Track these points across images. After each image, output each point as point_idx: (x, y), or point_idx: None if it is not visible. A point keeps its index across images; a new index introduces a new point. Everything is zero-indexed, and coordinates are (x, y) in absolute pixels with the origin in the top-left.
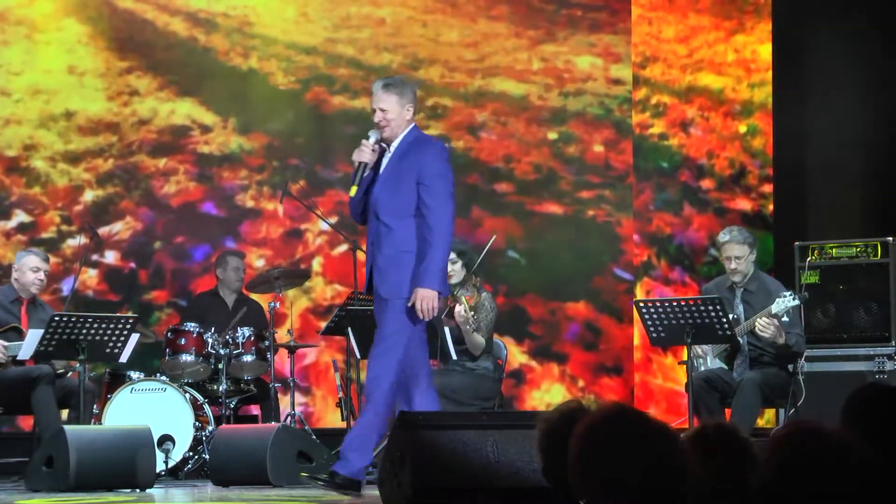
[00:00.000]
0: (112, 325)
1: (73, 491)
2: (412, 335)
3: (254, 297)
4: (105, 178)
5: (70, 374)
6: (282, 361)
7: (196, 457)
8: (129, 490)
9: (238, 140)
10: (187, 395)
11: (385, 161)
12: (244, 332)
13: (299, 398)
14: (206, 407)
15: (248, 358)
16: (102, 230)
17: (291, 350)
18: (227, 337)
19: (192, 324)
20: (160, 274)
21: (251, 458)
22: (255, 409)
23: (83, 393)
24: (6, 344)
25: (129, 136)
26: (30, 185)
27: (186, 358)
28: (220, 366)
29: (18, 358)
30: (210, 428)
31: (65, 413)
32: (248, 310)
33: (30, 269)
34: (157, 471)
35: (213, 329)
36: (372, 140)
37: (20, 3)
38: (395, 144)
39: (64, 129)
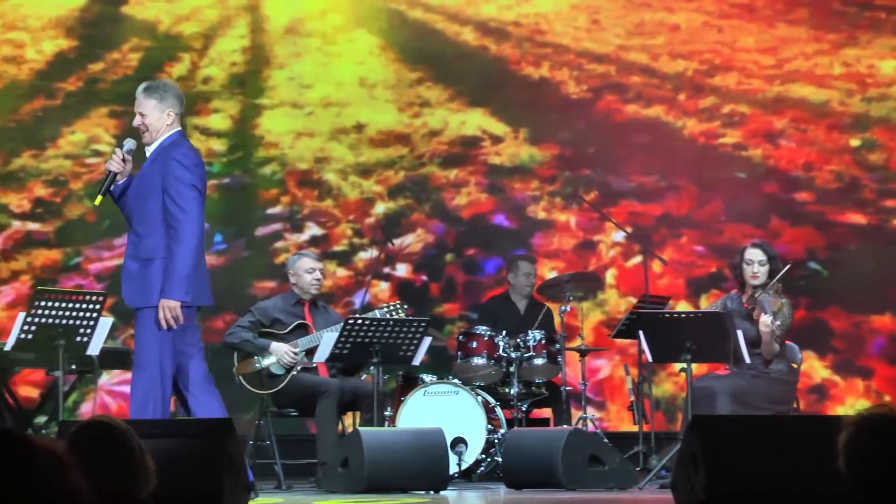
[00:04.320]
0: (405, 329)
1: (367, 492)
2: (164, 346)
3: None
4: (396, 190)
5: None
6: (575, 375)
7: (489, 459)
8: (422, 491)
9: (529, 150)
10: (479, 398)
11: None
12: (535, 335)
13: (594, 412)
14: (498, 410)
15: (539, 361)
16: (394, 245)
17: (582, 354)
18: (519, 340)
19: (484, 327)
20: (452, 286)
21: (543, 461)
22: (546, 412)
23: (377, 395)
24: (294, 351)
25: (420, 147)
26: (321, 198)
27: (478, 361)
28: (512, 369)
29: (314, 361)
30: (502, 431)
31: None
32: (539, 314)
33: (304, 271)
34: (451, 473)
35: (504, 332)
36: (125, 148)
37: (312, 16)
38: (151, 149)
39: (355, 142)
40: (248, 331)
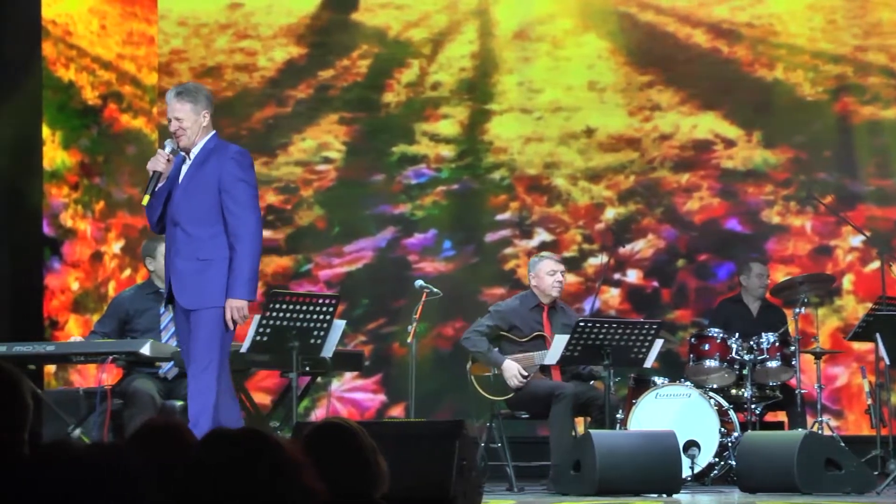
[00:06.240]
0: (636, 331)
1: (599, 495)
2: (224, 348)
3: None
4: (626, 195)
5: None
6: (810, 382)
7: (722, 463)
8: (655, 495)
9: (763, 154)
10: (712, 401)
11: (185, 169)
12: (769, 337)
13: (830, 419)
14: (732, 413)
15: (772, 364)
16: (625, 248)
17: (818, 356)
18: (752, 343)
19: (716, 329)
20: (683, 293)
21: (778, 465)
22: (780, 416)
23: (608, 398)
24: (524, 376)
25: (651, 151)
26: (551, 204)
27: (710, 363)
28: (745, 371)
29: (544, 363)
30: (735, 434)
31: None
32: (773, 316)
33: (546, 273)
34: (683, 476)
35: (737, 335)
36: (168, 149)
37: (541, 20)
38: (194, 152)
39: (585, 146)
40: (485, 337)
